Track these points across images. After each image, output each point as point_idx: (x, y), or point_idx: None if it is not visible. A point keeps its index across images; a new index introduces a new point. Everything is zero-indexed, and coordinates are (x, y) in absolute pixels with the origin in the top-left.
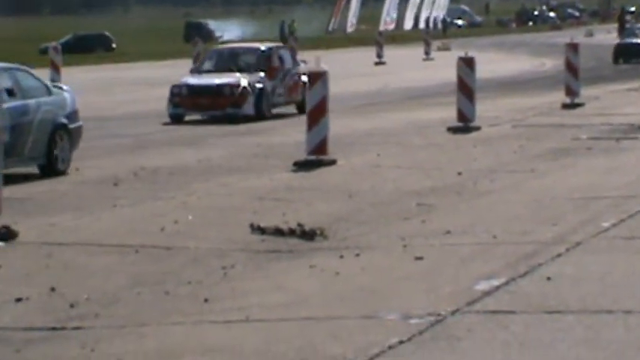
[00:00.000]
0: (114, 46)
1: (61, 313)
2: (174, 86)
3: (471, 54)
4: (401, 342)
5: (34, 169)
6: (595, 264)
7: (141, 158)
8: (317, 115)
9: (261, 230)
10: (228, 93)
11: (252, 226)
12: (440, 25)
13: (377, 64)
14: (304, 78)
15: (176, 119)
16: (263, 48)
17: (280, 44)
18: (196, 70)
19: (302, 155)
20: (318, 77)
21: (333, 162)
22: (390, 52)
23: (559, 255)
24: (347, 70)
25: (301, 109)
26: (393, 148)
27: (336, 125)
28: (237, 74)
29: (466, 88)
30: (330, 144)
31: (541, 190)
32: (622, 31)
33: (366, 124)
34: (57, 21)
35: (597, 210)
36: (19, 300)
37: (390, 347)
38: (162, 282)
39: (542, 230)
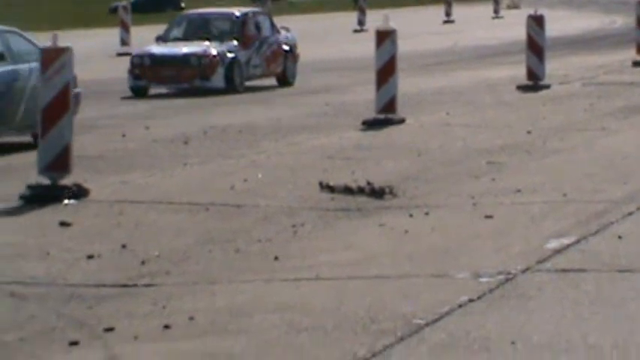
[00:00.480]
0: (183, 5)
1: (132, 270)
2: (135, 56)
3: (540, 12)
4: (471, 300)
5: (27, 139)
6: None
7: (211, 116)
8: (386, 73)
9: (331, 189)
10: (195, 63)
11: (321, 184)
12: None
13: (445, 22)
14: (285, 47)
15: (138, 93)
16: (237, 14)
17: (257, 9)
18: (162, 38)
19: (371, 114)
20: (386, 36)
21: (402, 120)
22: (459, 11)
23: (630, 213)
24: (415, 29)
25: (282, 81)
26: (463, 106)
27: (405, 84)
28: (207, 43)
29: (535, 46)
30: (399, 103)
31: (612, 149)
32: None
33: (435, 83)
34: None
35: None
36: (90, 257)
37: (460, 306)
38: (232, 240)
39: (613, 189)
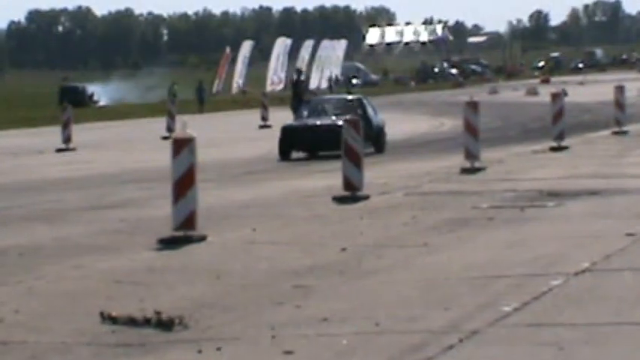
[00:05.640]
0: None
1: None
2: None
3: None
4: None
5: None
6: (493, 358)
7: None
8: (184, 186)
9: (113, 320)
10: None
11: (102, 314)
12: (334, 84)
13: (262, 127)
14: None
15: None
16: None
17: None
18: None
19: (169, 231)
20: (183, 144)
21: (202, 238)
22: (278, 115)
23: (451, 347)
24: (229, 135)
25: None
26: (272, 221)
27: (211, 196)
28: None
29: (352, 153)
30: (201, 218)
31: (434, 268)
32: (299, 106)
33: (244, 195)
34: None
35: (497, 291)
36: None
37: None
38: None
39: (433, 316)
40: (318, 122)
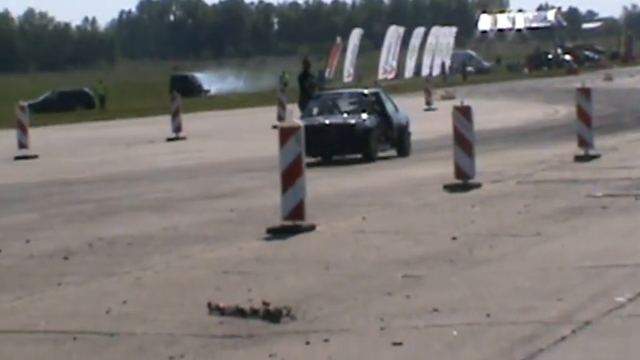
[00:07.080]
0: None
1: None
2: None
3: (476, 102)
4: None
5: None
6: (606, 349)
7: (101, 227)
8: (292, 175)
9: (220, 310)
10: None
11: (210, 305)
12: (447, 71)
13: None
14: None
15: None
16: None
17: None
18: None
19: (278, 220)
20: (290, 133)
21: (311, 227)
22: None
23: (563, 338)
24: None
25: None
26: (382, 209)
27: (322, 185)
28: None
29: (464, 141)
30: (311, 207)
31: (547, 258)
32: (305, 103)
33: (355, 183)
34: (42, 78)
35: (612, 281)
36: None
37: None
38: None
39: (546, 306)
40: (327, 121)
